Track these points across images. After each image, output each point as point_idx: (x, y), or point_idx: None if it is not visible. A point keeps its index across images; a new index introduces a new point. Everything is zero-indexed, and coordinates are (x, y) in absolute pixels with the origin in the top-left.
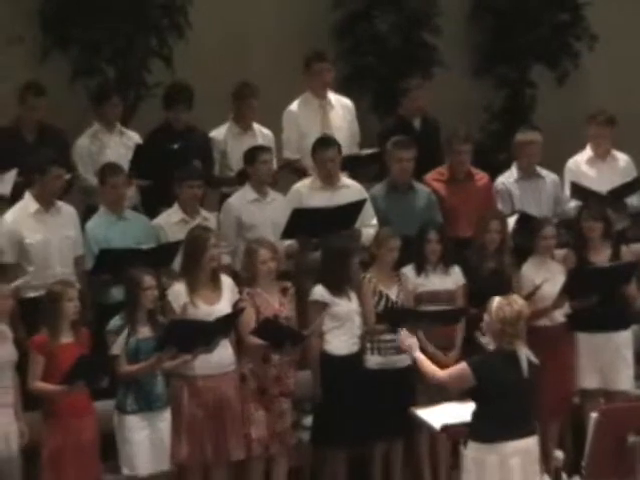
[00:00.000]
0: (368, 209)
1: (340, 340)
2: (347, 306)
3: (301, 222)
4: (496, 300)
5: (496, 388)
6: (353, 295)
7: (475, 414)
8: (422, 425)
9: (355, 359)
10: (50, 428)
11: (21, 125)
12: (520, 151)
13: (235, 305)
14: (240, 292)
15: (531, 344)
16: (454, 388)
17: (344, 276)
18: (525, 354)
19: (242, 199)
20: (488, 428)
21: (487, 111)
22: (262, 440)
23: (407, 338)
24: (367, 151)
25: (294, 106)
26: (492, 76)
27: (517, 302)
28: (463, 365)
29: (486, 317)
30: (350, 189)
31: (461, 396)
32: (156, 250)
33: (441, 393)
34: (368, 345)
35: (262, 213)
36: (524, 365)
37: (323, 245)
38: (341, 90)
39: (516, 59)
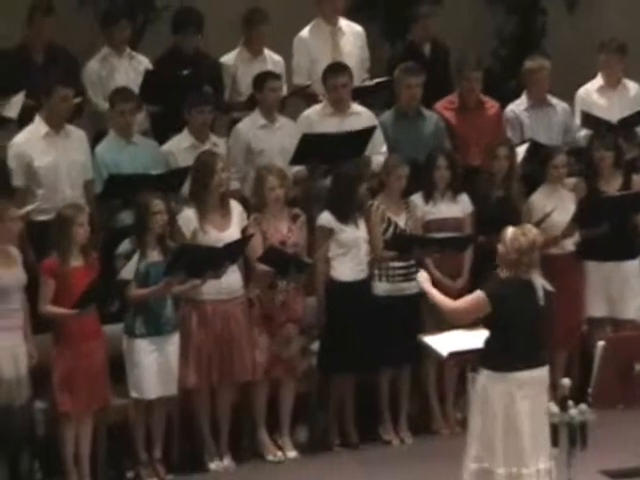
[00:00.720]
0: (378, 136)
1: (346, 266)
2: (354, 233)
3: (310, 148)
4: (510, 230)
5: (512, 316)
6: (361, 222)
7: (488, 342)
8: (429, 352)
9: (362, 286)
10: (60, 351)
11: (30, 47)
12: (529, 78)
13: (244, 231)
14: (249, 218)
15: (541, 272)
16: (469, 317)
17: (351, 203)
18: (540, 282)
19: (251, 125)
20: (500, 357)
21: (497, 37)
22: (265, 364)
23: (420, 273)
24: (377, 80)
25: (305, 32)
26: (502, 2)
27: (531, 231)
28: (478, 293)
29: (501, 247)
30: (361, 116)
31: (470, 324)
32: (165, 175)
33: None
34: (376, 272)
35: (271, 139)
36: (540, 293)
37: (331, 171)
38: (351, 16)
39: None
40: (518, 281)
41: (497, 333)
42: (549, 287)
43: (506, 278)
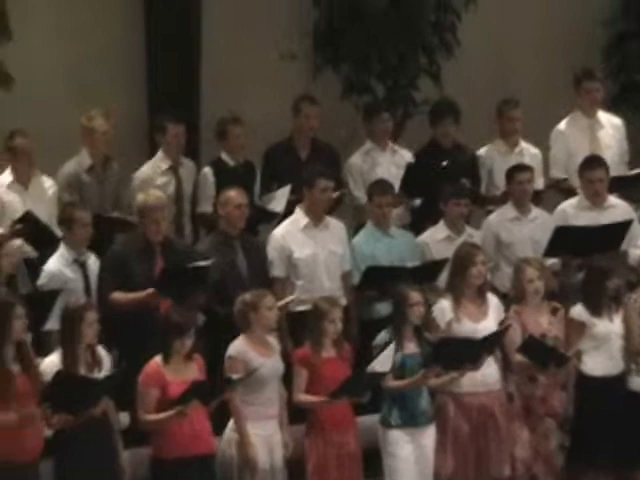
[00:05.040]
0: (636, 229)
1: (597, 361)
2: (607, 327)
3: (564, 240)
4: None
5: None
6: (616, 316)
7: None
8: None
9: (614, 381)
10: (313, 440)
11: (295, 141)
12: None
13: (501, 323)
14: (507, 310)
15: None
16: None
17: (604, 296)
18: None
19: (502, 217)
20: None
21: None
22: (526, 460)
23: None
24: (637, 171)
25: (562, 125)
26: None
27: None
28: None
29: None
30: (617, 209)
31: None
32: (421, 267)
33: None
34: (633, 367)
35: (521, 231)
36: None
37: (584, 264)
38: (610, 108)
39: None
40: None
41: None
42: None
43: None
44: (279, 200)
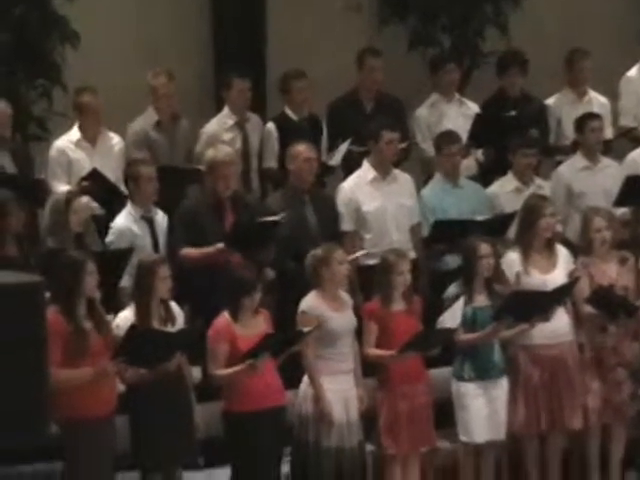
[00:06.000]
0: None
1: None
2: None
3: (635, 190)
4: None
5: None
6: None
7: None
8: None
9: None
10: (384, 394)
11: (360, 94)
12: None
13: (570, 274)
14: (575, 261)
15: None
16: None
17: None
18: None
19: (572, 167)
20: None
21: None
22: (597, 410)
23: None
24: None
25: (632, 72)
26: None
27: None
28: None
29: None
30: None
31: None
32: (490, 220)
33: None
34: None
35: (593, 181)
36: None
37: None
38: None
39: None
40: None
41: None
42: None
43: None
44: (337, 155)
